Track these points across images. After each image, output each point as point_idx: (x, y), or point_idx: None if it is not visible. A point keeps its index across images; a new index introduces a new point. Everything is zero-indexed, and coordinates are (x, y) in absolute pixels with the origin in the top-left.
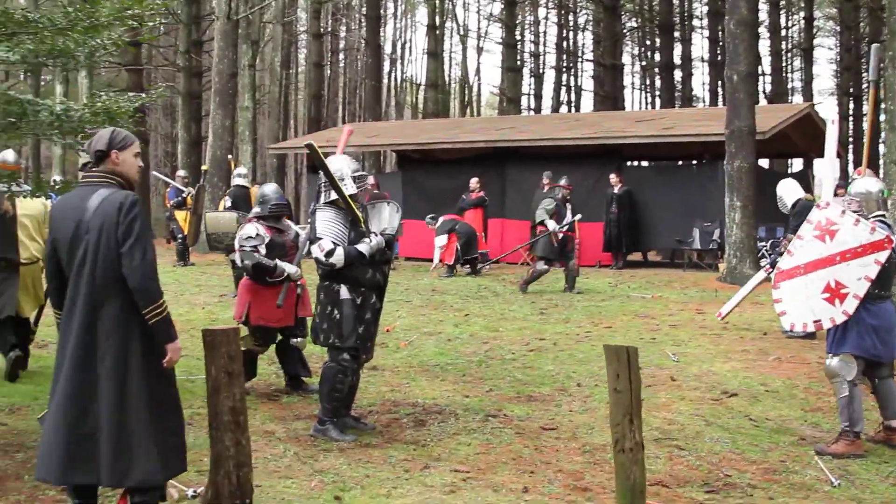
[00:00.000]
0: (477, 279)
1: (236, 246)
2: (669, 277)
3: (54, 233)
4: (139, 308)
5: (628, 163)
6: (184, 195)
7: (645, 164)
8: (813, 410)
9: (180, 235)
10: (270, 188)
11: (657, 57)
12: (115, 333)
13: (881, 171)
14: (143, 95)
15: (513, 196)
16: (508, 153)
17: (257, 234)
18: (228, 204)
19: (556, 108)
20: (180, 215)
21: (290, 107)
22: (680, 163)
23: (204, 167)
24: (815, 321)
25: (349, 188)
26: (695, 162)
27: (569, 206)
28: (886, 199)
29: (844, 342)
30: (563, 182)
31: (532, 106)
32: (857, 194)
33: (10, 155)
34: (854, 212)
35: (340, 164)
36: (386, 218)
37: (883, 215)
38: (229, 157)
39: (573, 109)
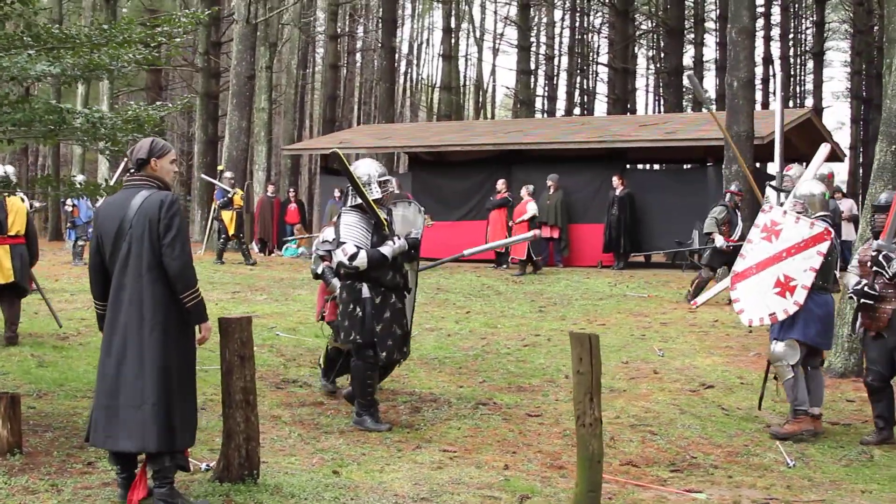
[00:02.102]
0: (481, 278)
1: (314, 248)
2: (668, 278)
3: (99, 230)
4: (177, 293)
5: (635, 166)
6: (230, 195)
7: (652, 167)
8: (783, 401)
9: (224, 235)
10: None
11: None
12: (159, 315)
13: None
14: (170, 105)
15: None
16: (516, 155)
17: (334, 239)
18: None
19: (569, 111)
20: (226, 215)
21: (305, 107)
22: (687, 166)
23: (220, 167)
24: (770, 314)
25: (374, 193)
26: (689, 166)
27: (738, 213)
28: (828, 201)
29: (792, 329)
30: (733, 188)
31: (545, 108)
32: (802, 196)
33: (9, 169)
34: (798, 213)
35: (368, 169)
36: (410, 220)
37: (826, 215)
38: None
39: (586, 112)
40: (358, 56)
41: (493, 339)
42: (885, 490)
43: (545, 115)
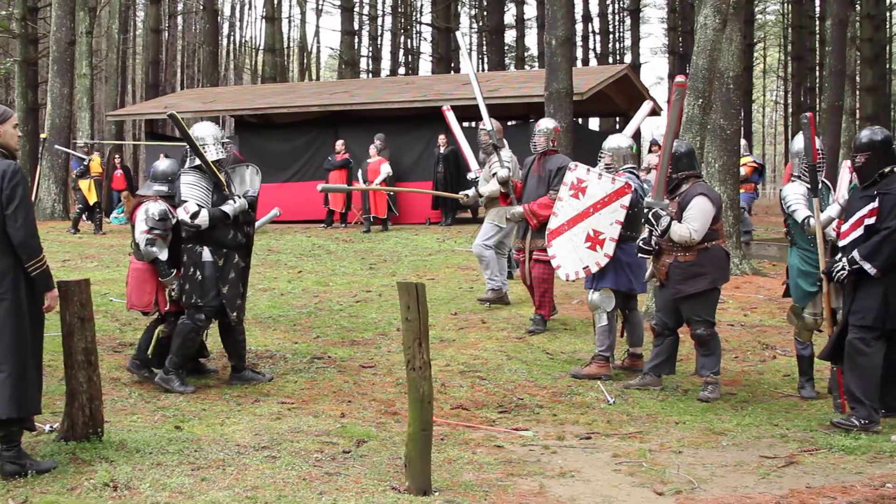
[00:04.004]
0: (311, 238)
1: (144, 227)
2: None
3: None
4: (23, 262)
5: (461, 124)
6: (86, 162)
7: (478, 124)
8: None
9: (80, 205)
10: (168, 164)
11: None
12: (4, 285)
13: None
14: None
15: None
16: (342, 116)
17: (168, 217)
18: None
19: (393, 71)
20: (84, 184)
21: (127, 73)
22: (511, 123)
23: (43, 135)
24: (584, 268)
25: (213, 154)
26: (512, 123)
27: None
28: (636, 154)
29: (603, 278)
30: None
31: (370, 69)
32: (609, 149)
33: None
34: (606, 165)
35: (207, 131)
36: (247, 180)
37: (633, 167)
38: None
39: (410, 72)
40: (180, 19)
41: (325, 296)
42: (696, 421)
43: (370, 75)
